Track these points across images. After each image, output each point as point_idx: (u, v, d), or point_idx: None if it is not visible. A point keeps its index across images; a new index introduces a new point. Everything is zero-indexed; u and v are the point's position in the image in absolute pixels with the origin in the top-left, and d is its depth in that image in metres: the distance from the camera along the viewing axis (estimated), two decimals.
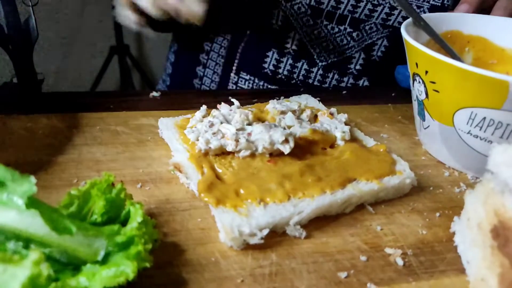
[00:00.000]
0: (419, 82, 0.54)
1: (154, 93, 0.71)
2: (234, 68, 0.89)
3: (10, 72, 0.65)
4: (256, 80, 0.88)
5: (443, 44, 0.62)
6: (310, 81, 0.86)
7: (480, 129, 0.50)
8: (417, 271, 0.41)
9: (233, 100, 0.59)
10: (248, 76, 0.88)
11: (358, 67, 0.85)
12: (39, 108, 0.62)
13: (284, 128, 0.52)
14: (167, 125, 0.57)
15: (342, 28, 0.80)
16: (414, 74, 0.55)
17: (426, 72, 0.52)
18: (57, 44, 2.22)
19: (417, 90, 0.56)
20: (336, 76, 0.86)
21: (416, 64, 0.53)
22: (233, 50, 0.88)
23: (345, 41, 0.82)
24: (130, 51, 2.31)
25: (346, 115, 0.58)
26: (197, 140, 0.51)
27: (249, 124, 0.54)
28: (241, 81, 0.88)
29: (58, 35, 2.20)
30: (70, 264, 0.35)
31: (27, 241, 0.34)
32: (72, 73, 2.32)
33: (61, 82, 2.26)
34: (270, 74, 0.87)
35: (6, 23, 0.60)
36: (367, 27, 0.81)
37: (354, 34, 0.81)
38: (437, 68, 0.50)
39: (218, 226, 0.43)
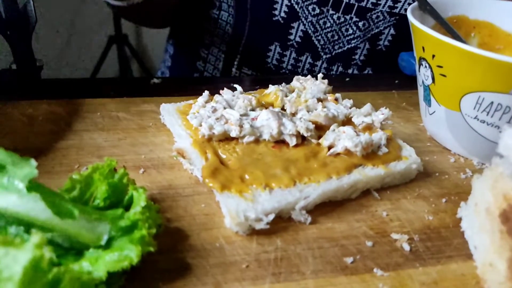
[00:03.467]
0: (426, 66, 0.53)
1: (155, 80, 0.70)
2: (235, 63, 0.87)
3: (9, 58, 0.64)
4: (259, 75, 0.86)
5: (449, 28, 0.61)
6: (315, 74, 0.85)
7: (487, 114, 0.49)
8: (424, 257, 0.41)
9: (235, 85, 0.58)
10: (251, 71, 0.86)
11: (362, 57, 0.84)
12: (39, 94, 0.61)
13: (294, 114, 0.52)
14: (169, 110, 0.56)
15: (348, 17, 0.79)
16: (420, 59, 0.54)
17: (433, 56, 0.51)
18: (56, 33, 2.19)
19: (423, 75, 0.55)
20: (340, 69, 0.85)
21: (423, 48, 0.52)
22: (234, 44, 0.86)
23: (350, 31, 0.80)
24: (129, 40, 2.29)
25: (351, 101, 0.57)
26: (200, 125, 0.51)
27: (253, 109, 0.54)
28: (243, 76, 0.87)
29: (57, 24, 2.17)
30: (72, 249, 0.34)
31: (29, 226, 0.33)
32: (70, 63, 2.30)
33: (59, 72, 2.25)
34: (274, 68, 0.85)
35: (4, 8, 0.59)
36: (373, 16, 0.79)
37: (360, 24, 0.79)
38: (445, 52, 0.49)
39: (223, 211, 0.42)
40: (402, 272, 0.39)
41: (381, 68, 0.86)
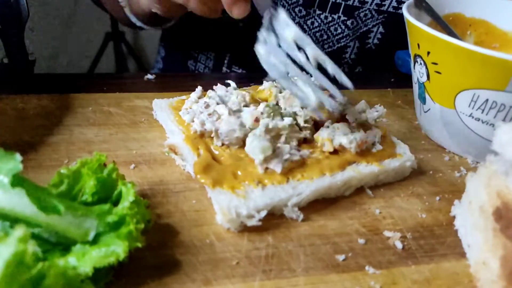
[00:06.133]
0: (421, 63, 0.53)
1: (149, 76, 0.69)
2: (225, 62, 0.87)
3: (1, 53, 0.63)
4: (242, 72, 0.86)
5: (445, 26, 0.61)
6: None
7: (482, 112, 0.49)
8: (417, 255, 0.40)
9: (229, 81, 0.58)
10: (241, 70, 0.86)
11: (353, 56, 0.83)
12: (30, 89, 0.60)
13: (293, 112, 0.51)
14: (161, 106, 0.55)
15: (335, 16, 0.78)
16: (415, 56, 0.54)
17: (428, 53, 0.50)
18: (53, 30, 2.18)
19: (418, 72, 0.54)
20: None
21: (418, 45, 0.52)
22: (224, 43, 0.86)
23: (339, 30, 0.80)
24: (126, 37, 2.28)
25: (346, 98, 0.56)
26: (193, 121, 0.50)
27: (246, 105, 0.53)
28: (237, 73, 0.87)
29: (54, 21, 2.16)
30: (59, 244, 0.34)
31: (14, 221, 0.33)
32: (66, 60, 2.29)
33: (56, 69, 2.24)
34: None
35: None
36: (361, 14, 0.79)
37: (349, 22, 0.79)
38: (440, 49, 0.49)
39: (214, 207, 0.42)
40: (394, 270, 0.39)
41: (372, 67, 0.86)
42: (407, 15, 0.53)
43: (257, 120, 0.48)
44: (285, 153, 0.45)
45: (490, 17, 0.64)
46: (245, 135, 0.46)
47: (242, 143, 0.47)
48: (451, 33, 0.60)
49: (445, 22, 0.61)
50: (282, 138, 0.47)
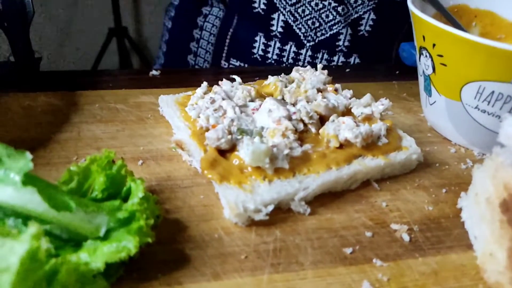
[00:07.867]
0: (426, 56, 0.53)
1: (154, 72, 0.69)
2: (224, 55, 0.88)
3: (7, 51, 0.64)
4: (246, 66, 0.87)
5: (450, 18, 0.61)
6: (300, 63, 0.84)
7: (488, 104, 0.49)
8: (424, 247, 0.41)
9: (234, 76, 0.58)
10: (238, 62, 0.87)
11: (346, 43, 0.83)
12: (37, 86, 0.61)
13: (294, 105, 0.51)
14: (167, 102, 0.56)
15: (326, 3, 0.79)
16: (421, 48, 0.54)
17: (434, 45, 0.50)
18: (56, 26, 2.18)
19: (424, 64, 0.54)
20: (325, 56, 0.85)
21: (423, 37, 0.52)
22: (222, 37, 0.87)
23: (330, 17, 0.80)
24: (129, 33, 2.28)
25: (351, 91, 0.56)
26: (199, 117, 0.50)
27: (252, 100, 0.53)
28: (243, 68, 0.87)
29: (57, 17, 2.16)
30: (71, 241, 0.34)
31: (27, 218, 0.33)
32: (70, 56, 2.29)
33: (60, 65, 2.24)
34: (260, 59, 0.85)
35: (0, 0, 0.59)
36: (351, 0, 0.79)
37: (339, 8, 0.79)
38: (446, 41, 0.49)
39: (222, 202, 0.42)
40: (401, 263, 0.39)
41: (366, 55, 0.86)
42: (412, 7, 0.53)
43: (279, 122, 0.48)
44: (284, 149, 0.45)
45: (495, 7, 0.64)
46: (233, 140, 0.46)
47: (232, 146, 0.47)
48: (456, 25, 0.60)
49: (450, 13, 0.61)
50: (278, 138, 0.46)
